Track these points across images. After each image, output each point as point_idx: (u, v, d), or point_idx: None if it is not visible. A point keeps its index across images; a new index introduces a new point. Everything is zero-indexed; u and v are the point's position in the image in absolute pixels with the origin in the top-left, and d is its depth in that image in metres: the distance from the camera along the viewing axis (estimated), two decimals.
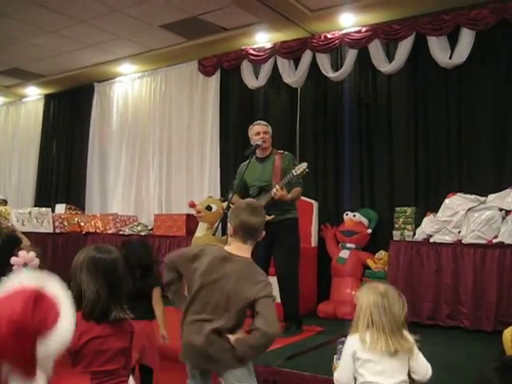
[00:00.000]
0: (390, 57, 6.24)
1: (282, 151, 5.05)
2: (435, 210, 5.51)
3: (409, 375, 2.38)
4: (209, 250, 2.69)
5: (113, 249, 2.33)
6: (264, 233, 2.72)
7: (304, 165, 4.66)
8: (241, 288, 2.51)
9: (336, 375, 2.47)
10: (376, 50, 6.27)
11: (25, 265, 4.34)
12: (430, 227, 5.42)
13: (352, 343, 2.39)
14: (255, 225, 2.64)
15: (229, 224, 2.75)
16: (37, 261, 4.50)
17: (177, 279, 2.75)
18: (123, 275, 2.27)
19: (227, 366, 2.51)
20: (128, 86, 8.92)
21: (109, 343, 2.13)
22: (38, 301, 1.42)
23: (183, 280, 2.74)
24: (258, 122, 5.12)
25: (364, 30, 6.35)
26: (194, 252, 2.68)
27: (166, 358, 3.56)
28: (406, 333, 2.37)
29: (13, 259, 4.29)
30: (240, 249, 2.64)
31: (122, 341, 2.19)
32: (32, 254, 4.45)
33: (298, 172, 4.63)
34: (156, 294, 3.51)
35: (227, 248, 2.68)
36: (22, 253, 4.38)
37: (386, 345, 2.29)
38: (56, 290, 1.52)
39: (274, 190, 4.61)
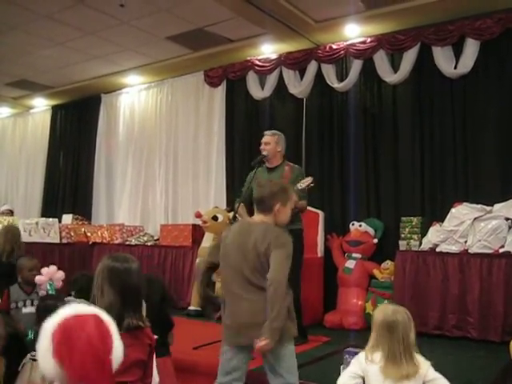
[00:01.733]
0: (395, 67, 6.27)
1: (292, 164, 5.04)
2: (441, 219, 5.51)
3: None
4: (232, 227, 3.09)
5: (130, 258, 2.32)
6: (286, 207, 2.98)
7: (309, 179, 4.66)
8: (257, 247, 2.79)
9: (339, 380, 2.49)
10: (381, 60, 6.30)
11: (50, 280, 4.30)
12: (436, 237, 5.41)
13: (361, 358, 2.44)
14: (260, 196, 3.00)
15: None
16: (61, 273, 4.47)
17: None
18: (137, 284, 2.26)
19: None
20: (135, 97, 8.98)
21: (124, 353, 2.12)
22: (99, 324, 1.47)
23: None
24: (267, 131, 5.13)
25: (369, 40, 6.38)
26: (221, 240, 3.00)
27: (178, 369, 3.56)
28: (417, 356, 2.38)
29: (37, 278, 4.20)
30: (260, 218, 2.96)
31: (138, 352, 2.16)
32: (53, 267, 4.39)
33: (304, 186, 4.62)
34: (170, 338, 3.41)
35: (250, 219, 3.11)
36: (44, 270, 4.33)
37: (397, 371, 2.30)
38: (106, 317, 1.55)
39: None
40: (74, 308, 1.51)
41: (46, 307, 3.20)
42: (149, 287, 3.43)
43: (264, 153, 4.93)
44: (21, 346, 3.14)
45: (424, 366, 2.37)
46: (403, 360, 2.33)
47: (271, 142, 4.98)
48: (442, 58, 5.91)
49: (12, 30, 6.73)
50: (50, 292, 4.10)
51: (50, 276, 4.28)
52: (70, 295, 3.84)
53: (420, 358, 2.38)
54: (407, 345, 2.35)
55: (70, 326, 1.41)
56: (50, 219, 8.14)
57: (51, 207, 9.92)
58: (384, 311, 2.47)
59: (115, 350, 1.48)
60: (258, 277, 2.76)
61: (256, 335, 2.65)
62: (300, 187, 4.61)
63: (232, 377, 2.82)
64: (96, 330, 1.42)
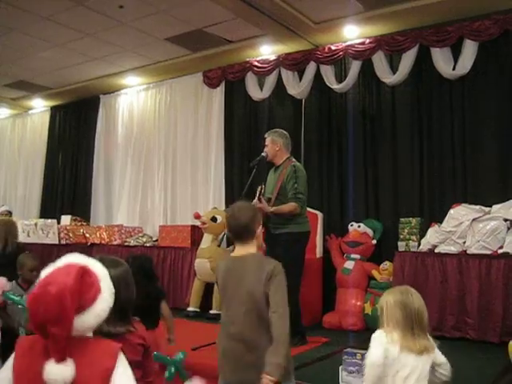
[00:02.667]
0: (394, 68, 6.28)
1: (293, 161, 5.00)
2: (440, 220, 5.52)
3: None
4: (219, 265, 2.88)
5: (116, 262, 2.30)
6: (260, 227, 2.81)
7: (259, 187, 4.68)
8: (252, 284, 2.62)
9: (368, 359, 2.43)
10: (380, 61, 6.31)
11: None
12: (434, 238, 5.42)
13: (381, 337, 2.40)
14: (237, 227, 2.77)
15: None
16: None
17: None
18: (120, 289, 2.20)
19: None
20: (133, 98, 8.98)
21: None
22: (84, 275, 1.51)
23: None
24: (268, 132, 5.15)
25: (368, 41, 6.39)
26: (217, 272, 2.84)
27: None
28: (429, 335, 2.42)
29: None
30: (242, 248, 2.77)
31: (130, 354, 2.17)
32: None
33: (258, 192, 4.64)
34: (163, 304, 3.57)
35: (232, 254, 2.82)
36: None
37: (416, 345, 2.32)
38: (100, 270, 1.62)
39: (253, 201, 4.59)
40: (71, 258, 1.61)
41: None
42: (146, 262, 3.56)
43: (263, 154, 4.94)
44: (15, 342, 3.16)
45: (434, 346, 2.41)
46: (420, 334, 2.36)
47: (268, 143, 5.02)
48: (441, 59, 5.92)
49: (11, 31, 6.73)
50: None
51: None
52: None
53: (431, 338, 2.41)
54: (421, 320, 2.37)
55: (51, 274, 1.51)
56: (49, 220, 8.17)
57: (50, 208, 9.93)
58: (393, 292, 2.49)
59: (99, 301, 1.53)
60: (256, 320, 2.60)
61: (254, 375, 2.53)
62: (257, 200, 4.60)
63: None
64: (73, 277, 1.47)
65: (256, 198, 4.58)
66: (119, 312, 2.16)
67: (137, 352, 2.22)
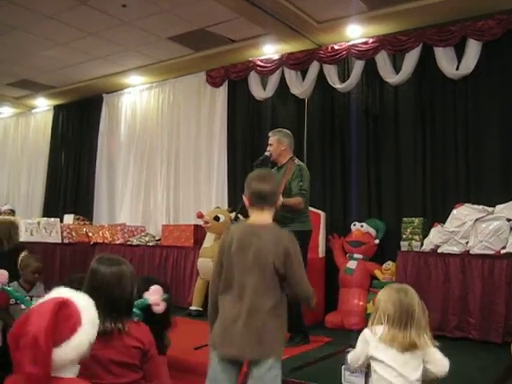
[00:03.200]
0: (397, 68, 6.27)
1: (296, 161, 4.98)
2: (443, 220, 5.51)
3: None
4: (233, 231, 2.81)
5: (117, 261, 2.33)
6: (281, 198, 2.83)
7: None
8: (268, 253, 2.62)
9: (349, 356, 2.58)
10: (383, 61, 6.30)
11: None
12: (437, 238, 5.41)
13: (366, 332, 2.47)
14: (265, 191, 2.75)
15: (243, 196, 2.87)
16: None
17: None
18: (109, 287, 2.23)
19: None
20: (136, 97, 8.99)
21: (100, 355, 2.09)
22: (61, 309, 1.50)
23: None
24: (272, 131, 5.11)
25: (371, 41, 6.38)
26: (223, 246, 2.76)
27: (173, 368, 3.56)
28: (425, 334, 2.39)
29: None
30: (260, 217, 2.75)
31: (120, 354, 2.17)
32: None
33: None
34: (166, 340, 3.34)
35: (249, 221, 2.80)
36: None
37: (403, 339, 2.32)
38: (82, 302, 1.60)
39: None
40: (54, 293, 1.61)
41: None
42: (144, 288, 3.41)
43: (266, 153, 4.92)
44: None
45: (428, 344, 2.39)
46: (412, 331, 2.34)
47: (273, 143, 4.97)
48: (444, 59, 5.91)
49: (14, 30, 6.74)
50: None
51: None
52: None
53: (429, 339, 2.40)
54: (413, 318, 2.35)
55: (31, 312, 1.51)
56: (52, 219, 8.16)
57: (53, 207, 9.94)
58: (389, 288, 2.51)
59: (77, 335, 1.51)
60: (265, 289, 2.62)
61: (253, 352, 2.57)
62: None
63: None
64: (49, 315, 1.46)
65: None
66: (109, 307, 2.16)
67: (130, 354, 2.20)
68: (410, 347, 2.33)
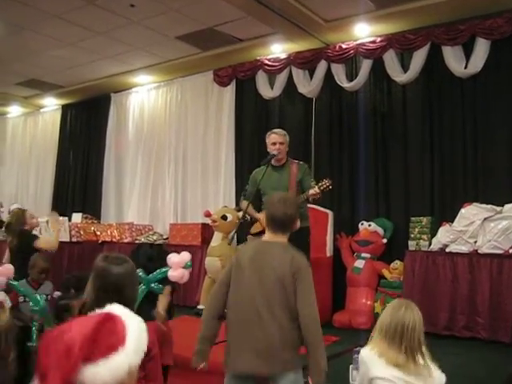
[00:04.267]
0: (405, 67, 6.26)
1: (297, 161, 5.02)
2: (451, 219, 5.49)
3: None
4: (245, 248, 2.88)
5: (120, 259, 2.31)
6: (298, 225, 2.84)
7: (328, 181, 4.60)
8: (279, 270, 2.62)
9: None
10: (391, 59, 6.29)
11: None
12: (445, 237, 5.39)
13: (362, 353, 2.40)
14: (282, 217, 2.74)
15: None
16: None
17: None
18: (117, 284, 2.22)
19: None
20: (144, 96, 9.01)
21: None
22: (106, 322, 1.36)
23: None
24: (277, 130, 5.04)
25: (379, 40, 6.37)
26: (234, 262, 2.77)
27: (178, 365, 3.58)
28: (424, 350, 2.32)
29: None
30: (274, 237, 2.77)
31: None
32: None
33: (322, 188, 4.58)
34: (166, 289, 3.49)
35: (263, 238, 2.84)
36: None
37: (394, 355, 2.27)
38: (132, 323, 1.43)
39: (311, 190, 4.54)
40: (106, 308, 1.46)
41: (61, 307, 3.30)
42: (137, 251, 3.53)
43: (274, 152, 4.90)
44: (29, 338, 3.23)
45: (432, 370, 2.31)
46: (409, 351, 2.26)
47: (284, 142, 4.95)
48: (452, 58, 5.89)
49: (22, 30, 6.78)
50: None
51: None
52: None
53: (433, 366, 2.31)
54: (409, 336, 2.28)
55: (74, 321, 1.37)
56: (60, 218, 8.19)
57: (61, 206, 9.96)
58: (392, 304, 2.45)
59: (115, 356, 1.34)
60: (279, 303, 2.61)
61: (272, 366, 2.59)
62: (318, 190, 4.55)
63: None
64: (91, 325, 1.31)
65: (314, 190, 4.54)
66: (125, 307, 2.17)
67: None
68: (414, 369, 2.26)
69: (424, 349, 2.32)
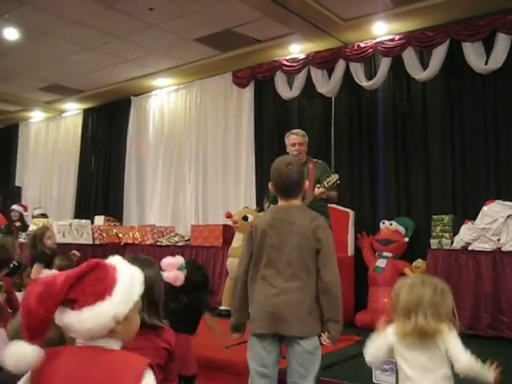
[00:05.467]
0: (425, 64, 6.21)
1: (315, 160, 5.03)
2: (473, 217, 5.44)
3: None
4: (264, 216, 3.03)
5: (147, 261, 2.34)
6: (306, 185, 2.94)
7: (335, 176, 4.60)
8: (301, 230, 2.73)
9: (366, 351, 2.45)
10: (410, 57, 6.26)
11: None
12: (468, 235, 5.34)
13: (389, 330, 2.40)
14: (287, 185, 2.84)
15: (269, 184, 3.00)
16: None
17: None
18: (148, 286, 2.24)
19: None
20: (164, 99, 9.08)
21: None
22: (96, 269, 1.38)
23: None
24: (296, 131, 5.04)
25: (397, 38, 6.34)
26: (255, 228, 2.87)
27: (205, 366, 3.60)
28: (444, 323, 2.29)
29: None
30: (288, 203, 2.86)
31: (151, 356, 2.18)
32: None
33: (330, 183, 4.58)
34: (206, 315, 3.59)
35: (279, 203, 2.91)
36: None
37: (412, 330, 2.26)
38: (124, 271, 1.46)
39: (316, 189, 4.51)
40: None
41: None
42: (195, 272, 3.58)
43: (294, 153, 4.91)
44: None
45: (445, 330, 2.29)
46: (423, 320, 2.25)
47: (304, 143, 4.97)
48: (473, 54, 5.83)
49: (44, 36, 6.88)
50: None
51: None
52: None
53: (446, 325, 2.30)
54: (422, 306, 2.28)
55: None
56: (83, 221, 8.28)
57: (84, 209, 10.10)
58: (403, 279, 2.46)
59: (103, 302, 1.37)
60: (303, 263, 2.71)
61: (296, 326, 2.69)
62: (327, 185, 4.56)
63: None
64: (78, 268, 1.37)
65: (320, 186, 4.53)
66: (155, 307, 2.22)
67: (161, 356, 2.24)
68: (421, 335, 2.26)
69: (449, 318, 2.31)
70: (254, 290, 2.81)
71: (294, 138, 4.94)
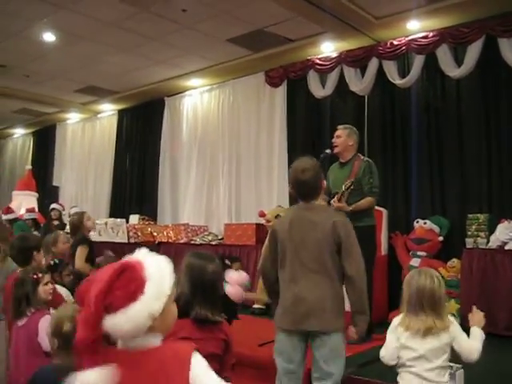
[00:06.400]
0: (459, 61, 6.13)
1: (362, 157, 4.97)
2: (510, 216, 5.36)
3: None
4: (285, 216, 3.09)
5: (210, 257, 2.48)
6: (324, 182, 3.03)
7: (349, 182, 4.49)
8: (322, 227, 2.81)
9: (381, 351, 2.60)
10: (444, 54, 6.18)
11: None
12: (504, 234, 5.26)
13: (395, 321, 2.52)
14: (303, 189, 2.93)
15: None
16: None
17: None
18: (211, 281, 2.38)
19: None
20: (197, 99, 9.16)
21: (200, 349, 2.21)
22: (125, 271, 1.39)
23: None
24: (338, 126, 5.14)
25: (431, 34, 6.27)
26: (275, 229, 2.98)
27: (239, 364, 3.63)
28: (444, 314, 2.39)
29: None
30: (308, 203, 2.95)
31: (210, 346, 2.29)
32: None
33: (345, 188, 4.49)
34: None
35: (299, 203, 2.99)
36: None
37: (417, 324, 2.32)
38: (153, 269, 1.44)
39: (333, 203, 4.47)
40: (135, 254, 1.50)
41: None
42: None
43: (327, 151, 4.91)
44: None
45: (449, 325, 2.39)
46: (428, 314, 2.35)
47: (342, 135, 4.95)
48: (509, 50, 5.73)
49: (80, 39, 7.03)
50: None
51: None
52: None
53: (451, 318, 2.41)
54: (427, 299, 2.36)
55: (100, 271, 1.44)
56: (118, 220, 8.44)
57: (119, 208, 10.27)
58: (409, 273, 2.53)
59: (135, 303, 1.37)
60: (326, 259, 2.78)
61: (320, 322, 2.74)
62: (344, 188, 4.47)
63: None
64: (106, 278, 1.36)
65: (336, 197, 4.47)
66: (216, 302, 2.37)
67: (219, 346, 2.35)
68: (429, 331, 2.34)
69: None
70: (279, 287, 2.90)
71: (336, 132, 5.00)
